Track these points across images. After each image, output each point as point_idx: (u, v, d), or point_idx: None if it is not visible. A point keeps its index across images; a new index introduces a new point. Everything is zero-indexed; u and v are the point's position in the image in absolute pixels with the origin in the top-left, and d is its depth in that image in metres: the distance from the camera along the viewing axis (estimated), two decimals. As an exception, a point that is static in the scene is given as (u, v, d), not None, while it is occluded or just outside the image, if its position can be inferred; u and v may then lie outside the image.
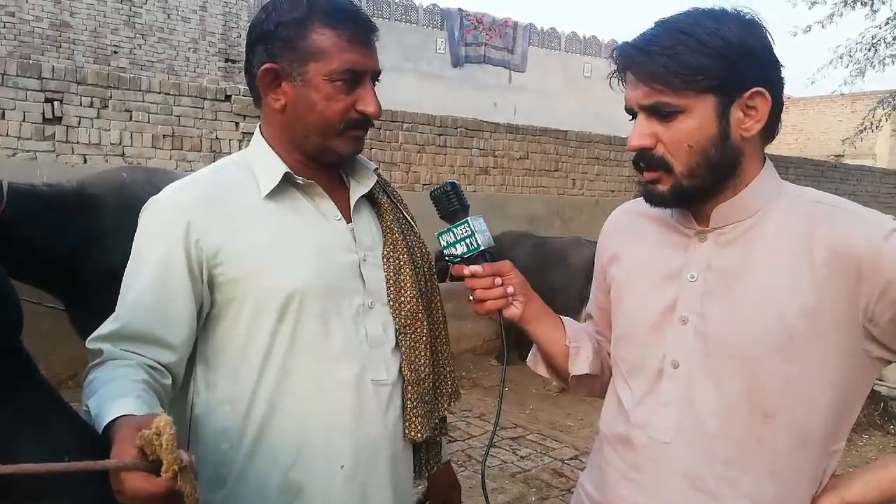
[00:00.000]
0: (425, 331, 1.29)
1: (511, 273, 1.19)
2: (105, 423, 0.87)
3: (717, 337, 1.02)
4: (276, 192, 1.20)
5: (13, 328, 0.83)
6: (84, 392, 1.01)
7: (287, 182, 1.22)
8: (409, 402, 1.26)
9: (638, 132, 1.02)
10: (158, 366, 1.10)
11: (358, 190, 1.30)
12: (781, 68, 1.01)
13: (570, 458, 4.01)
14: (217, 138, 5.59)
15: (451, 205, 1.19)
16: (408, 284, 1.28)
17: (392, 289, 1.26)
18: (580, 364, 1.24)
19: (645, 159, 1.03)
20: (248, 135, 5.69)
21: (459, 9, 14.12)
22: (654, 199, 1.06)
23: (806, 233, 0.98)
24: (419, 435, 1.27)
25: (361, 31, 1.19)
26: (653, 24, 1.02)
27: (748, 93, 0.97)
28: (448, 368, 1.38)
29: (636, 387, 1.11)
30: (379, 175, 1.36)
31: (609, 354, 1.26)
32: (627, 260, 1.18)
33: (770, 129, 1.02)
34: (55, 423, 0.82)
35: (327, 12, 1.17)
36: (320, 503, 1.19)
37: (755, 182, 1.03)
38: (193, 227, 1.14)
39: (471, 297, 1.20)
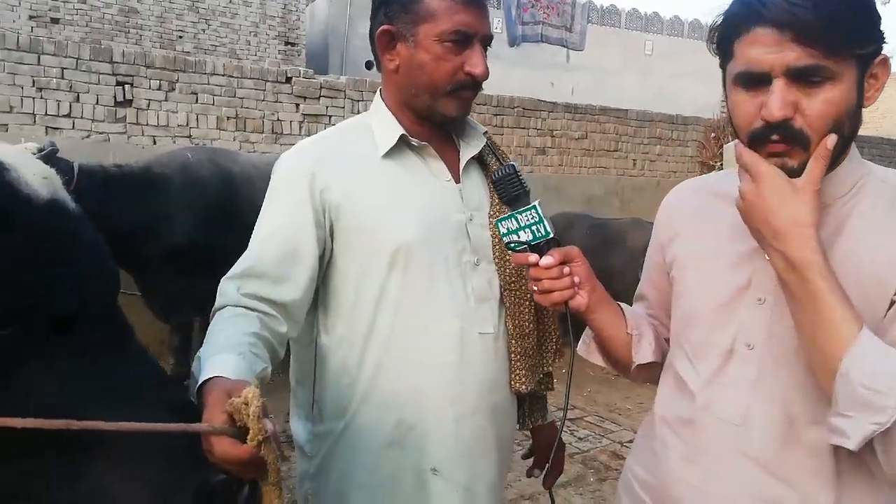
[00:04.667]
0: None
1: (578, 259, 1.15)
2: (201, 381, 0.94)
3: None
4: (392, 152, 1.28)
5: (109, 293, 0.87)
6: (208, 332, 1.10)
7: (402, 143, 1.28)
8: (513, 355, 1.32)
9: (782, 100, 0.88)
10: (274, 312, 1.18)
11: (467, 152, 1.35)
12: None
13: (629, 441, 3.97)
14: (279, 119, 5.68)
15: (514, 189, 1.15)
16: None
17: (497, 247, 1.31)
18: (644, 352, 1.20)
19: (782, 131, 0.90)
20: (308, 116, 5.77)
21: (517, -13, 13.89)
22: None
23: (892, 222, 0.92)
24: (524, 387, 1.33)
25: None
26: None
27: (878, 59, 0.90)
28: (552, 326, 1.42)
29: (702, 367, 1.07)
30: (488, 138, 1.40)
31: (666, 339, 1.22)
32: (693, 238, 1.12)
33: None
34: (152, 387, 0.86)
35: None
36: (431, 439, 1.27)
37: (846, 161, 0.96)
38: (318, 179, 1.24)
39: (535, 288, 1.14)
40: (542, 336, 1.39)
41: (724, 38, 0.95)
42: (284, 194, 1.26)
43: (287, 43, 12.53)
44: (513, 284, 1.32)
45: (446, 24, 1.20)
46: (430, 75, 1.23)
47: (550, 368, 1.44)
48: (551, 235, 1.11)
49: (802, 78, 0.88)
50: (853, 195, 0.97)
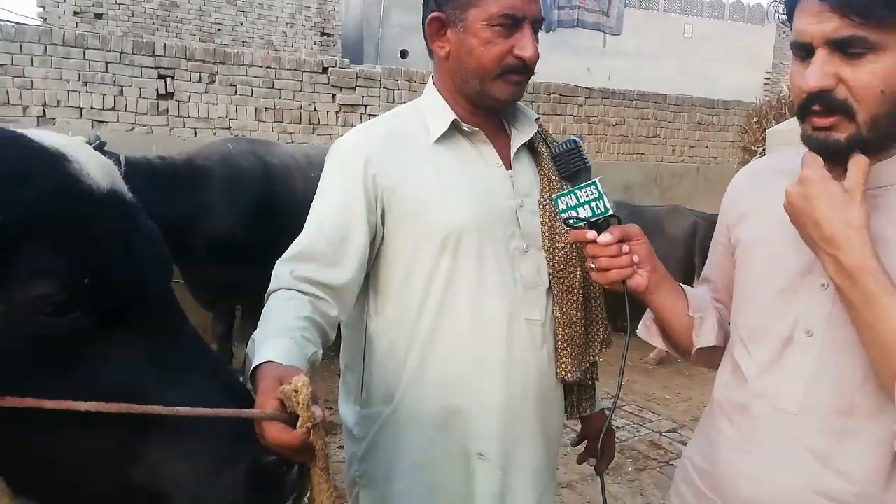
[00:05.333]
0: (579, 276, 1.33)
1: (639, 238, 1.12)
2: (254, 366, 0.97)
3: None
4: (444, 138, 1.29)
5: (165, 279, 0.91)
6: (263, 313, 1.14)
7: (454, 129, 1.30)
8: (560, 343, 1.32)
9: (819, 71, 0.88)
10: (325, 296, 1.20)
11: (519, 138, 1.36)
12: None
13: (668, 431, 3.93)
14: (315, 110, 5.74)
15: (574, 164, 1.13)
16: (563, 231, 1.30)
17: (547, 234, 1.32)
18: (706, 336, 1.17)
19: (823, 101, 0.89)
20: (344, 106, 5.81)
21: (552, -29, 13.71)
22: (826, 149, 0.91)
23: None
24: (569, 375, 1.33)
25: None
26: None
27: None
28: (600, 315, 1.41)
29: (758, 354, 1.04)
30: (540, 125, 1.40)
31: (730, 323, 1.18)
32: (757, 220, 1.09)
33: None
34: (205, 372, 0.89)
35: None
36: (477, 423, 1.29)
37: None
38: (371, 164, 1.25)
39: (592, 266, 1.12)
40: (589, 325, 1.38)
41: (788, 8, 0.96)
42: (338, 179, 1.28)
43: (323, 34, 12.62)
44: (561, 272, 1.31)
45: (494, 8, 1.20)
46: (478, 59, 1.23)
47: (597, 358, 1.42)
48: (611, 212, 1.09)
49: (843, 48, 0.87)
50: None
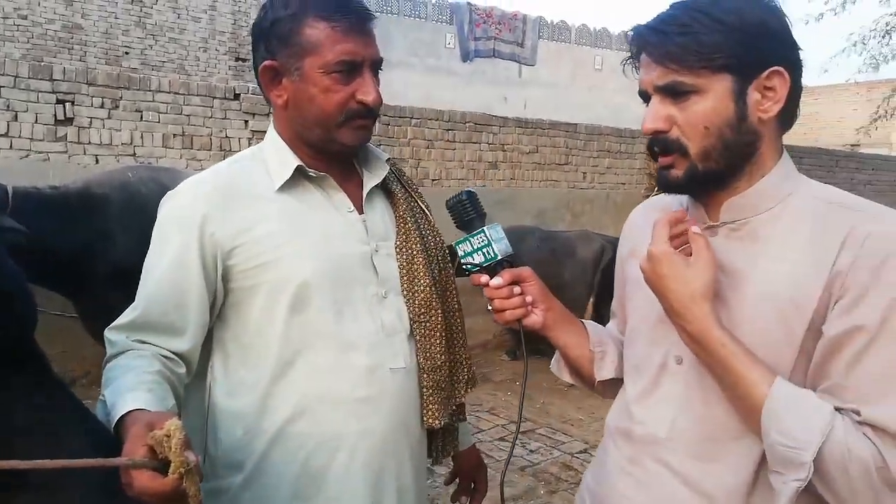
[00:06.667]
0: (440, 319, 1.30)
1: (530, 280, 1.18)
2: (118, 416, 0.91)
3: None
4: (288, 185, 1.22)
5: (29, 325, 0.86)
6: (103, 381, 1.05)
7: (300, 175, 1.23)
8: (425, 390, 1.27)
9: (652, 115, 0.99)
10: (172, 355, 1.14)
11: (370, 181, 1.31)
12: (800, 51, 0.98)
13: (580, 452, 4.01)
14: (227, 137, 5.62)
15: (466, 214, 1.18)
16: (421, 274, 1.28)
17: (405, 278, 1.27)
18: (606, 369, 1.22)
19: (659, 143, 1.00)
20: (257, 132, 5.72)
21: (469, 3, 14.06)
22: (668, 185, 1.02)
23: (818, 237, 0.94)
24: (437, 422, 1.28)
25: (355, 21, 1.19)
26: (669, 6, 1.00)
27: (766, 72, 0.94)
28: (464, 356, 1.39)
29: (639, 382, 1.11)
30: (393, 165, 1.37)
31: None
32: (641, 257, 1.14)
33: (788, 115, 0.99)
34: (69, 421, 0.85)
35: (319, 4, 1.18)
36: (338, 488, 1.20)
37: (770, 175, 1.00)
38: (208, 221, 1.17)
39: (489, 307, 1.18)
40: (453, 367, 1.34)
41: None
42: (171, 240, 1.18)
43: (237, 59, 12.41)
44: (422, 316, 1.27)
45: (330, 55, 1.16)
46: (320, 107, 1.19)
47: (463, 400, 1.40)
48: (499, 258, 1.15)
49: (670, 93, 0.97)
50: (775, 212, 0.99)
